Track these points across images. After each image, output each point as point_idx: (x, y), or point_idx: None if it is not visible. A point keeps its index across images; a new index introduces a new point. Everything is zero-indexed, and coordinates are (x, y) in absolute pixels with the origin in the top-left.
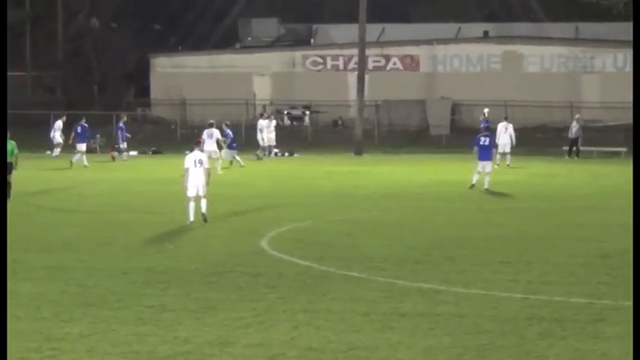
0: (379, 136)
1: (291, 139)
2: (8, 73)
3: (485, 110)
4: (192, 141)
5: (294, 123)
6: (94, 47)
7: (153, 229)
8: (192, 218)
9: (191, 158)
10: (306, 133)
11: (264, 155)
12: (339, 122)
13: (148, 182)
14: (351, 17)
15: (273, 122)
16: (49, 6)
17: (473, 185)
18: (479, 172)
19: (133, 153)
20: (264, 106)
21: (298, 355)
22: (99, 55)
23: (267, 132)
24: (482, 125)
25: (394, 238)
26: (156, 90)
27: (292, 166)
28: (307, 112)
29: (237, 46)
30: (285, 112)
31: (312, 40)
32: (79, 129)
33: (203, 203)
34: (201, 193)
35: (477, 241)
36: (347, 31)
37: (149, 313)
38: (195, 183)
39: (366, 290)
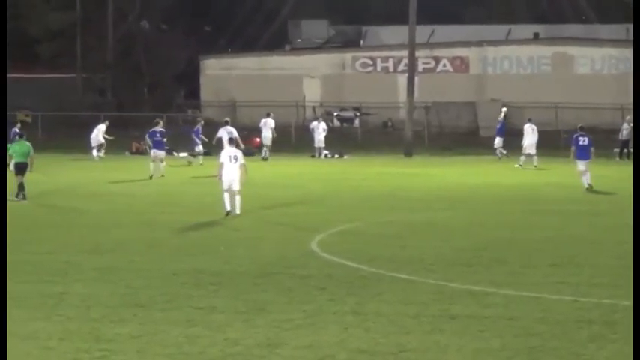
0: (429, 138)
1: (341, 140)
2: (59, 75)
3: (503, 109)
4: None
5: (344, 125)
6: (144, 49)
7: (203, 230)
8: (228, 208)
9: (226, 154)
10: (356, 134)
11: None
12: (389, 124)
13: (197, 184)
14: (400, 19)
15: (322, 124)
16: (99, 8)
17: (590, 185)
18: (581, 172)
19: (184, 155)
20: (313, 108)
21: (348, 357)
22: (149, 57)
23: (316, 134)
24: (498, 125)
25: (444, 239)
26: (205, 92)
27: (342, 168)
28: (357, 114)
29: (287, 47)
30: (335, 114)
31: (361, 42)
32: (158, 135)
33: (237, 199)
34: (235, 188)
35: (526, 243)
36: (397, 33)
37: (199, 315)
38: (230, 177)
39: (416, 292)
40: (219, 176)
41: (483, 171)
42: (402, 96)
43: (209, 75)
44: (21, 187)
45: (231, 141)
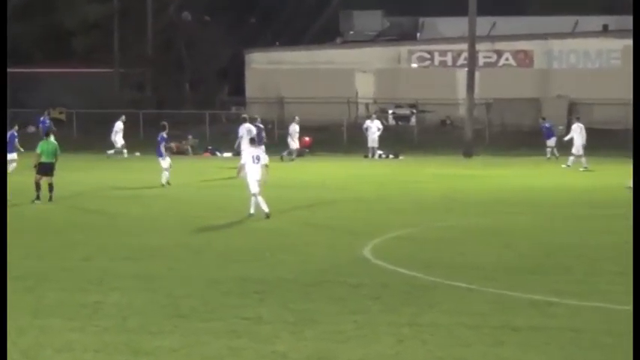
0: (490, 137)
1: (396, 140)
2: (95, 70)
3: None
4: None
5: (400, 123)
6: (185, 42)
7: (248, 235)
8: (252, 211)
9: (249, 154)
10: (412, 133)
11: (290, 158)
12: (448, 122)
13: (241, 186)
14: (460, 9)
15: (376, 122)
16: None
17: None
18: None
19: (228, 154)
20: (366, 105)
21: None
22: (191, 51)
23: (370, 133)
24: (543, 127)
25: (505, 246)
26: (251, 87)
27: (397, 169)
28: (413, 112)
29: (338, 40)
30: (390, 112)
31: (418, 35)
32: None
33: (260, 200)
34: (254, 190)
35: (592, 250)
36: (456, 25)
37: (244, 326)
38: (255, 178)
39: (476, 302)
40: (241, 176)
41: (548, 172)
42: (462, 92)
43: (255, 70)
44: (38, 186)
45: (252, 140)
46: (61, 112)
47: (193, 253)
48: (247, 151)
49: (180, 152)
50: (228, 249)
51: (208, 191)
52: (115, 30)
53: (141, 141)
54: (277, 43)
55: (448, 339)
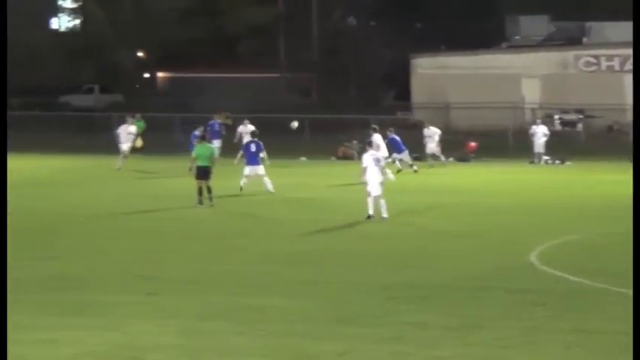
0: None
1: (562, 145)
2: (261, 75)
3: None
4: (456, 148)
5: (566, 128)
6: (351, 47)
7: (412, 239)
8: (370, 212)
9: (370, 157)
10: (579, 139)
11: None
12: (614, 128)
13: (405, 191)
14: (627, 14)
15: (542, 128)
16: (303, 3)
17: None
18: None
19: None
20: (532, 111)
21: None
22: (356, 56)
23: (536, 138)
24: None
25: None
26: (417, 92)
27: (563, 175)
28: (580, 117)
29: (504, 45)
30: (557, 117)
31: (584, 39)
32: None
33: (382, 204)
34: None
35: None
36: (623, 30)
37: (408, 331)
38: (377, 181)
39: None
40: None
41: None
42: (629, 97)
43: (420, 75)
44: (200, 191)
45: (370, 144)
46: (227, 117)
47: (358, 259)
48: (369, 153)
49: (345, 157)
50: (391, 254)
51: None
52: (281, 35)
53: (307, 146)
54: (443, 47)
55: (616, 347)
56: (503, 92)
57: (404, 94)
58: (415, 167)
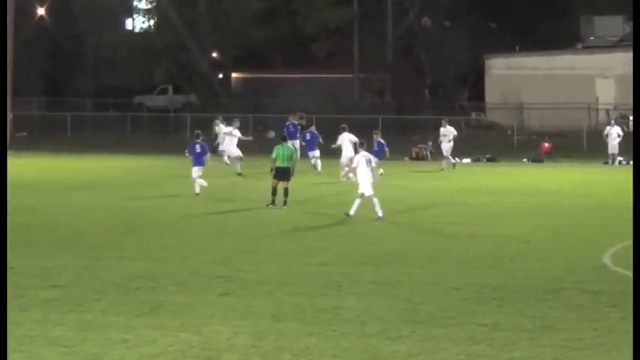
0: None
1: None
2: (335, 75)
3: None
4: (529, 148)
5: None
6: (425, 48)
7: (485, 241)
8: (351, 212)
9: (362, 157)
10: None
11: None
12: None
13: (480, 192)
14: None
15: (617, 128)
16: (377, 4)
17: None
18: None
19: (467, 160)
20: (607, 111)
21: None
22: (430, 56)
23: (610, 139)
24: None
25: None
26: (491, 93)
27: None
28: None
29: (579, 45)
30: (631, 118)
31: None
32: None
33: (376, 202)
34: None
35: None
36: None
37: (482, 332)
38: (368, 181)
39: None
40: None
41: None
42: None
43: (494, 75)
44: (274, 191)
45: (362, 144)
46: (301, 118)
47: (432, 260)
48: (360, 154)
49: (419, 158)
50: (465, 255)
51: (447, 197)
52: (355, 35)
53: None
54: (517, 48)
55: None
56: (577, 93)
57: (478, 94)
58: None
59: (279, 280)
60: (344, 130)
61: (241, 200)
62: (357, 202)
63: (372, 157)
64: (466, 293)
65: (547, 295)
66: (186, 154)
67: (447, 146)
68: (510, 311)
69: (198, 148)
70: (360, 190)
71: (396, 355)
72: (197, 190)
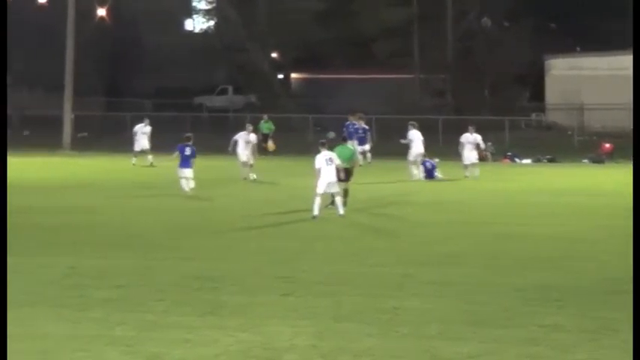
0: None
1: None
2: (395, 76)
3: None
4: (590, 149)
5: None
6: (485, 48)
7: (548, 242)
8: (316, 212)
9: (323, 157)
10: None
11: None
12: None
13: (540, 192)
14: None
15: None
16: (437, 4)
17: None
18: None
19: (527, 161)
20: None
21: None
22: (491, 57)
23: None
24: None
25: None
26: (551, 94)
27: None
28: None
29: None
30: None
31: None
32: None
33: (339, 201)
34: (333, 190)
35: None
36: None
37: (543, 333)
38: (328, 180)
39: None
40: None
41: None
42: None
43: (555, 76)
44: (344, 193)
45: (323, 144)
46: (360, 118)
47: (493, 260)
48: (321, 154)
49: (479, 158)
50: (526, 255)
51: (507, 198)
52: (415, 35)
53: (440, 147)
54: (578, 48)
55: None
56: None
57: (538, 95)
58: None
59: (340, 280)
60: (413, 126)
61: (300, 200)
62: (317, 200)
63: (333, 155)
64: (527, 294)
65: (608, 296)
66: (175, 156)
67: (469, 154)
68: (571, 312)
69: (187, 151)
70: (317, 189)
71: (457, 356)
72: (186, 188)
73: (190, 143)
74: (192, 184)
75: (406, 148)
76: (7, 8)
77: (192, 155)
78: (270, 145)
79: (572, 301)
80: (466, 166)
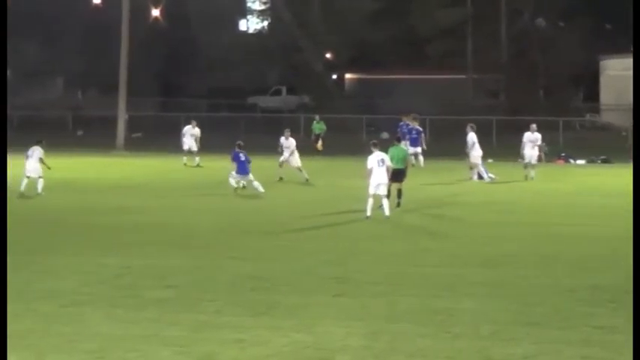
0: None
1: None
2: (449, 76)
3: None
4: None
5: None
6: (540, 48)
7: (603, 243)
8: (369, 213)
9: (375, 157)
10: None
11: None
12: None
13: (594, 193)
14: None
15: None
16: (491, 4)
17: None
18: None
19: (581, 162)
20: None
21: None
22: (545, 57)
23: None
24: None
25: None
26: (605, 94)
27: None
28: None
29: None
30: None
31: None
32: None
33: (385, 202)
34: (381, 192)
35: None
36: None
37: (597, 335)
38: (379, 182)
39: None
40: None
41: None
42: None
43: (610, 76)
44: (388, 193)
45: (375, 144)
46: (414, 119)
47: (546, 261)
48: (374, 154)
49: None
50: (579, 256)
51: (557, 199)
52: (469, 36)
53: (494, 148)
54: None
55: None
56: None
57: (592, 95)
58: None
59: (393, 281)
60: (472, 129)
61: (352, 200)
62: (370, 201)
63: (385, 156)
64: (580, 295)
65: None
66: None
67: (530, 152)
68: (626, 314)
69: (243, 157)
70: (369, 190)
71: (511, 357)
72: (260, 189)
73: (242, 150)
74: (256, 184)
75: (460, 149)
76: (61, 9)
77: (248, 160)
78: (319, 144)
79: (627, 303)
80: (525, 166)
